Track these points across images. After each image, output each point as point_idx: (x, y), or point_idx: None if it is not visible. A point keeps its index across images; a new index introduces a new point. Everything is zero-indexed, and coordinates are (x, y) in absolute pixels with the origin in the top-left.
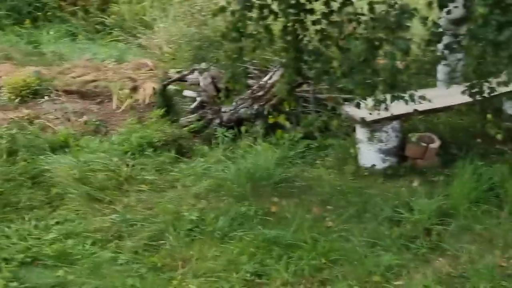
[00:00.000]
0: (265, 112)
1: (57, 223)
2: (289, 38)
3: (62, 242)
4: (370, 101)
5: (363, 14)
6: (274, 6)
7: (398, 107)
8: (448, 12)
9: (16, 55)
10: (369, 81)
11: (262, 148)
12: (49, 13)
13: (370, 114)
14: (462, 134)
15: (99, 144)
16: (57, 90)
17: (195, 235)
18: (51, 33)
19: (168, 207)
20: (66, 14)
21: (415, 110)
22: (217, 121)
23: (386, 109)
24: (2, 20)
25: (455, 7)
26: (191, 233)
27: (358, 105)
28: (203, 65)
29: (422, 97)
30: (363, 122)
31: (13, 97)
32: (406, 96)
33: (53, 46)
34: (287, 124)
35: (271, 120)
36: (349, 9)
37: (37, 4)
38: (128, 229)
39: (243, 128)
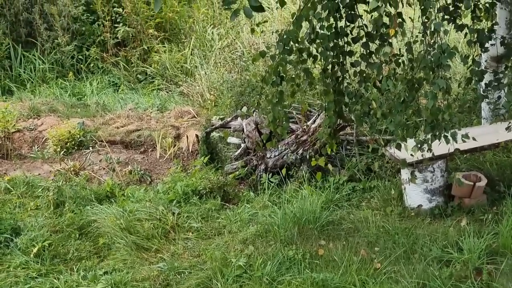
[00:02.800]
0: (308, 156)
1: (105, 273)
2: (328, 81)
3: None
4: (411, 142)
5: (402, 55)
6: (313, 49)
7: (442, 147)
8: (486, 50)
9: (61, 107)
10: (409, 122)
11: (308, 192)
12: (91, 65)
13: (412, 155)
14: (509, 172)
15: (144, 193)
16: (101, 141)
17: (243, 281)
18: (94, 84)
19: (215, 254)
20: (108, 65)
21: (456, 150)
22: (262, 167)
23: (430, 150)
24: (46, 74)
25: (492, 44)
26: (239, 279)
27: (398, 147)
28: (244, 110)
29: (465, 136)
30: (404, 164)
31: (58, 149)
32: (448, 135)
33: (96, 97)
34: (330, 168)
35: (313, 163)
36: (387, 49)
37: (80, 57)
38: (176, 277)
39: (288, 173)
